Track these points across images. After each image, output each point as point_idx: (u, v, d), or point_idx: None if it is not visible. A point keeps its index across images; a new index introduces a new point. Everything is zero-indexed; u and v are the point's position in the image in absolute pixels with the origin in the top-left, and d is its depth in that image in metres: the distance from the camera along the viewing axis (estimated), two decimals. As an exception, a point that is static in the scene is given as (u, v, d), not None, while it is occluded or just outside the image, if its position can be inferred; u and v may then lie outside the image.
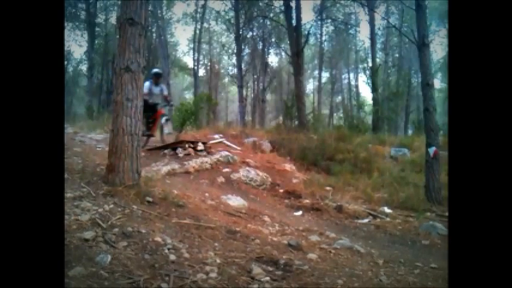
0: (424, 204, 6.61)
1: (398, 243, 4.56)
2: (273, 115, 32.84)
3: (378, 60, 23.31)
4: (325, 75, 31.85)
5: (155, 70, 8.82)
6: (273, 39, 25.13)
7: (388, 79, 24.88)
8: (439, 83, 28.92)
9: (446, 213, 6.05)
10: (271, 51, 27.61)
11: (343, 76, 32.40)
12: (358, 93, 30.40)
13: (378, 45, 24.24)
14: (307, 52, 26.73)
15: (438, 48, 37.97)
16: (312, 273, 2.85)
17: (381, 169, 9.26)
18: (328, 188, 7.49)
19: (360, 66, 29.01)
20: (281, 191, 6.89)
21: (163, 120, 8.28)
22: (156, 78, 8.46)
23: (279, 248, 3.44)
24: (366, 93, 29.80)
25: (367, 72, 24.28)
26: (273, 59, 30.67)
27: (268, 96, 30.97)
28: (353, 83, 31.34)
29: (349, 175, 8.57)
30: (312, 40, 25.35)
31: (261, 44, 25.44)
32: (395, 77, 25.60)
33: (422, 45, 7.72)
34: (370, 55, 22.46)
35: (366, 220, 5.60)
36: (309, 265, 3.03)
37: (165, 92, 8.75)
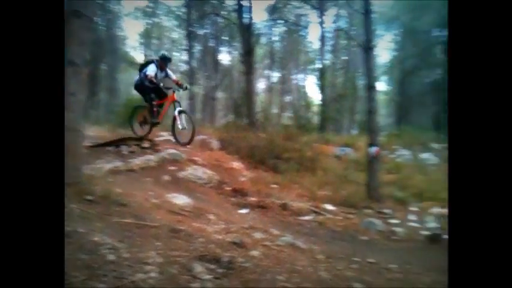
0: (364, 202, 6.90)
1: (339, 239, 4.74)
2: (224, 113, 32.78)
3: (326, 62, 24.01)
4: (276, 75, 32.31)
5: (163, 53, 7.99)
6: (225, 37, 25.07)
7: (335, 81, 25.68)
8: (384, 85, 30.23)
9: (384, 210, 6.39)
10: (223, 49, 27.57)
11: (292, 76, 33.01)
12: (306, 94, 31.12)
13: (327, 48, 24.95)
14: (259, 51, 26.92)
15: (384, 53, 39.79)
16: (254, 270, 2.89)
17: (326, 168, 9.54)
18: (274, 186, 7.60)
19: (309, 67, 29.73)
20: (228, 189, 6.90)
21: (176, 111, 7.46)
22: (163, 63, 7.69)
23: (222, 246, 3.45)
24: (314, 94, 30.81)
25: (316, 73, 24.92)
26: (224, 57, 30.58)
27: (219, 94, 30.86)
28: (302, 83, 32.06)
29: (295, 173, 8.75)
30: (263, 40, 25.58)
31: (212, 41, 25.28)
32: (342, 79, 26.50)
33: (368, 49, 8.05)
34: (319, 57, 23.08)
35: (309, 217, 5.76)
36: (251, 262, 3.06)
37: (173, 77, 7.99)
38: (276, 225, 5.12)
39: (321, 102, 21.16)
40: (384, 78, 30.93)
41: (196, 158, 7.73)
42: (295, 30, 25.36)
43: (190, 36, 21.36)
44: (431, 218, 6.03)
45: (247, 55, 15.13)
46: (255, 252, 3.40)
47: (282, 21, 23.54)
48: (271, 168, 9.21)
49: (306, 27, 26.04)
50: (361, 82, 26.47)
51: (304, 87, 31.62)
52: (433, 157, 11.32)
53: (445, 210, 6.63)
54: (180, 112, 7.49)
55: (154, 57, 8.38)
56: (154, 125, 7.69)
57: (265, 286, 2.60)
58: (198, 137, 10.40)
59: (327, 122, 20.31)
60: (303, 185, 7.94)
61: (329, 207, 6.45)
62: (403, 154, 11.66)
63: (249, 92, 15.37)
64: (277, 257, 3.44)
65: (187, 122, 7.51)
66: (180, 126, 7.43)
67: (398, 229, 5.23)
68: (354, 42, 17.35)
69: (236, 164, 8.49)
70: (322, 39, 21.71)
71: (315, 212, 6.00)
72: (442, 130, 15.01)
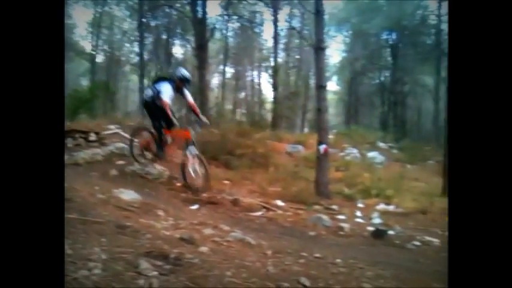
0: (313, 198, 7.07)
1: (288, 234, 4.81)
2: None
3: (279, 60, 24.28)
4: (230, 71, 32.22)
5: (183, 73, 6.22)
6: (178, 30, 24.61)
7: (288, 79, 26.06)
8: (334, 85, 31.08)
9: (332, 206, 6.58)
10: (176, 42, 27.06)
11: (247, 73, 33.07)
12: (260, 91, 31.30)
13: (281, 46, 25.23)
14: (213, 46, 26.72)
15: (335, 53, 40.93)
16: (201, 266, 2.86)
17: (277, 164, 9.68)
18: (226, 182, 7.59)
19: (263, 64, 29.92)
20: (178, 184, 6.80)
21: (189, 152, 5.92)
22: (181, 84, 6.13)
23: (170, 242, 3.38)
24: (268, 91, 31.18)
25: (269, 71, 25.15)
26: (177, 50, 30.01)
27: (172, 88, 30.19)
28: (256, 80, 32.20)
29: (247, 169, 8.79)
30: (217, 35, 25.39)
31: (165, 33, 24.73)
32: (295, 78, 26.93)
33: (318, 49, 8.22)
34: (272, 54, 23.28)
35: (259, 213, 5.81)
36: (199, 258, 3.03)
37: (190, 99, 6.29)
38: (227, 221, 5.11)
39: (274, 100, 21.37)
40: (334, 78, 31.88)
41: (146, 153, 7.55)
42: (249, 27, 25.38)
43: (142, 27, 20.78)
44: (377, 214, 6.29)
45: (201, 49, 14.97)
46: (203, 248, 3.37)
47: (237, 17, 23.47)
48: (223, 164, 9.20)
49: (261, 25, 26.15)
50: (313, 81, 27.10)
51: (258, 84, 31.76)
52: (379, 156, 11.82)
53: (390, 207, 6.96)
54: (193, 156, 5.94)
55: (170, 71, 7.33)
56: (157, 158, 6.37)
57: (212, 282, 2.58)
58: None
59: (279, 120, 20.57)
60: (255, 181, 8.00)
61: (279, 203, 6.54)
62: (352, 152, 12.08)
63: (202, 87, 15.21)
64: (225, 253, 3.43)
65: (199, 166, 6.11)
66: (192, 173, 5.94)
67: (345, 225, 5.40)
68: (306, 42, 17.69)
69: (187, 160, 8.38)
70: (276, 37, 21.90)
71: (265, 208, 6.06)
72: (388, 130, 15.70)
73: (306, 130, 22.87)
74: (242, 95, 33.45)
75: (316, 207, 6.49)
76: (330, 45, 25.58)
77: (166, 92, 5.86)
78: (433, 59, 19.56)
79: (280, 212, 5.97)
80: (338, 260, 3.65)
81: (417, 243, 4.68)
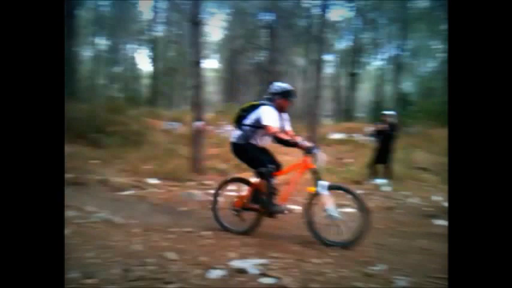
0: (188, 175, 7.11)
1: (160, 211, 4.78)
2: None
3: (159, 34, 23.38)
4: (104, 43, 29.82)
5: (286, 86, 4.14)
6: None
7: (167, 54, 25.28)
8: (215, 63, 31.12)
9: (206, 182, 6.71)
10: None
11: (123, 46, 31.06)
12: (137, 66, 29.78)
13: (160, 19, 24.27)
14: (84, 15, 24.37)
15: (216, 31, 40.81)
16: (59, 250, 2.69)
17: (152, 142, 9.45)
18: (94, 161, 7.15)
19: (141, 38, 28.42)
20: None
21: (321, 187, 3.65)
22: (286, 101, 4.07)
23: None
24: (145, 66, 29.71)
25: (148, 45, 24.09)
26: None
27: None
28: (132, 54, 30.47)
29: (119, 148, 8.40)
30: (90, 3, 23.19)
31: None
32: (174, 53, 26.24)
33: (194, 23, 8.13)
34: (151, 28, 22.32)
35: (129, 192, 5.64)
36: (58, 242, 2.85)
37: (288, 123, 4.26)
38: (93, 202, 4.85)
39: (152, 75, 20.63)
40: (215, 56, 31.96)
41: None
42: (126, -3, 23.78)
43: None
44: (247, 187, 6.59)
45: (69, 17, 13.55)
46: (65, 231, 3.17)
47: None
48: (92, 143, 8.61)
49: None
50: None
51: (134, 58, 30.09)
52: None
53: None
54: (330, 188, 3.68)
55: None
56: (271, 214, 3.95)
57: (71, 264, 2.45)
58: None
59: (157, 96, 19.98)
60: (128, 160, 7.69)
61: (153, 181, 6.45)
62: (228, 130, 12.37)
63: (69, 59, 13.86)
64: (88, 234, 3.30)
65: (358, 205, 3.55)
66: (331, 214, 3.57)
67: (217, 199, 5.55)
68: (183, 16, 17.32)
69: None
70: (155, 9, 21.01)
71: (138, 187, 5.91)
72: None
73: (184, 107, 22.66)
74: (117, 69, 31.40)
75: (190, 183, 6.55)
76: (212, 22, 25.47)
77: (270, 117, 3.89)
78: (304, 42, 20.94)
79: (153, 190, 5.89)
80: (206, 232, 3.77)
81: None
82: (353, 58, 21.04)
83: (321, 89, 12.83)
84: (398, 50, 19.64)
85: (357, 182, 7.31)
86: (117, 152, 8.08)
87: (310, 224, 3.68)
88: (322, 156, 3.79)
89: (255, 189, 4.04)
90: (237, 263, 2.71)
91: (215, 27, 33.49)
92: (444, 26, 19.79)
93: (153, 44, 20.59)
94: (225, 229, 4.05)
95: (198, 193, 5.43)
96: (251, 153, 3.97)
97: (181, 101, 25.35)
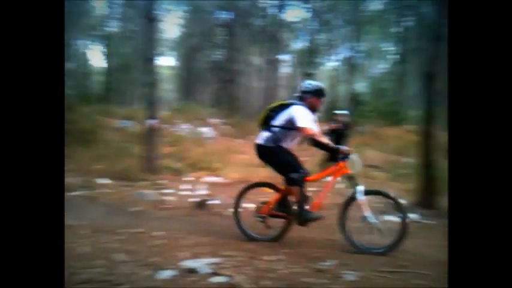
0: (141, 174, 6.96)
1: (110, 212, 4.67)
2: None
3: (113, 30, 22.67)
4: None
5: (318, 84, 3.89)
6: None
7: (121, 50, 24.56)
8: (172, 61, 30.55)
9: (159, 181, 6.61)
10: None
11: (75, 42, 29.77)
12: (89, 62, 28.69)
13: (114, 15, 23.52)
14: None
15: (173, 28, 40.06)
16: None
17: (105, 140, 9.16)
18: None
19: (95, 33, 27.40)
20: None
21: (358, 192, 3.49)
22: (317, 100, 3.78)
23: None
24: (99, 63, 28.54)
25: (102, 40, 23.29)
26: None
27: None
28: (86, 50, 29.30)
29: (69, 147, 8.05)
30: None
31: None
32: (130, 50, 25.51)
33: (149, 20, 7.98)
34: (105, 23, 21.58)
35: (79, 192, 5.45)
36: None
37: (317, 125, 3.86)
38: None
39: (105, 72, 19.96)
40: (172, 53, 31.42)
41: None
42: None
43: None
44: (202, 186, 6.57)
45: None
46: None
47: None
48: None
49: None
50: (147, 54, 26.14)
51: (87, 54, 28.95)
52: (210, 131, 12.28)
53: (216, 179, 7.34)
54: (367, 193, 3.55)
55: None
56: (304, 221, 3.64)
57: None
58: None
59: (110, 93, 19.37)
60: (78, 159, 7.40)
61: (103, 181, 6.25)
62: (184, 128, 12.23)
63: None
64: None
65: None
66: (369, 220, 3.42)
67: (170, 198, 5.50)
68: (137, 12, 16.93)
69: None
70: (109, 5, 20.33)
71: (87, 187, 5.71)
72: (220, 106, 16.39)
73: (138, 105, 22.11)
74: (69, 65, 30.07)
75: (143, 183, 6.42)
76: (168, 19, 24.97)
77: (303, 115, 3.60)
78: (261, 41, 21.07)
79: (104, 190, 5.72)
80: (159, 233, 3.71)
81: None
82: (309, 58, 21.38)
83: (277, 88, 12.98)
84: (352, 52, 20.18)
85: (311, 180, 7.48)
86: (66, 151, 7.74)
87: (344, 228, 3.53)
88: (358, 162, 3.63)
89: (284, 195, 3.76)
90: (189, 263, 2.68)
91: (172, 25, 32.91)
92: (395, 29, 20.74)
93: (107, 40, 19.89)
94: (250, 238, 3.76)
95: (150, 193, 5.33)
96: (282, 157, 3.65)
97: (135, 98, 24.71)
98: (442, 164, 5.49)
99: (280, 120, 3.67)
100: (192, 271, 2.55)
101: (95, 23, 26.76)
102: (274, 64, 12.22)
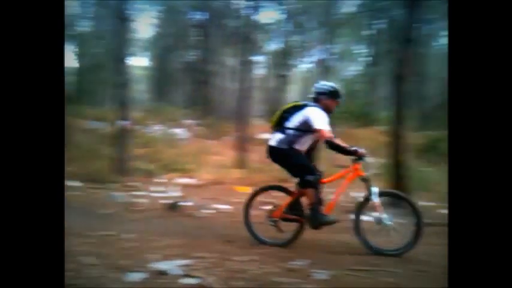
0: (111, 176, 6.85)
1: (80, 215, 4.56)
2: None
3: (84, 29, 22.15)
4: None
5: (333, 85, 3.79)
6: None
7: (93, 50, 24.05)
8: (146, 61, 30.12)
9: (131, 183, 6.52)
10: None
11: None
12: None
13: (86, 14, 23.00)
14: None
15: (146, 28, 39.52)
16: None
17: (74, 142, 8.93)
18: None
19: (66, 33, 26.77)
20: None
21: (374, 193, 3.46)
22: (333, 101, 3.71)
23: None
24: (69, 62, 27.83)
25: (72, 40, 22.73)
26: None
27: None
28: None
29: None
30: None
31: None
32: (100, 49, 25.01)
33: (122, 19, 7.90)
34: (77, 22, 21.05)
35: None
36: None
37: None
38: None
39: (75, 72, 19.48)
40: (145, 53, 30.97)
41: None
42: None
43: None
44: (174, 187, 6.52)
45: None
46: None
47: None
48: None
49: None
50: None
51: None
52: (183, 132, 12.18)
53: (189, 180, 7.30)
54: (382, 195, 3.54)
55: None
56: (319, 225, 3.55)
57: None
58: None
59: (80, 93, 18.91)
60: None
61: (73, 183, 6.10)
62: (157, 129, 12.09)
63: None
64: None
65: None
66: (384, 222, 3.39)
67: (141, 200, 5.43)
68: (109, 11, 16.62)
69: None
70: (80, 4, 19.84)
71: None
72: (194, 107, 16.29)
73: (110, 106, 21.68)
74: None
75: (114, 185, 6.32)
76: (142, 19, 24.63)
77: (319, 117, 3.51)
78: (235, 42, 21.05)
79: (74, 192, 5.59)
80: (129, 235, 3.67)
81: (207, 211, 5.07)
82: (283, 60, 21.52)
83: (251, 89, 13.01)
84: (325, 54, 20.45)
85: (283, 180, 7.50)
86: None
87: (359, 230, 3.46)
88: (373, 164, 3.64)
89: (296, 198, 3.68)
90: (159, 265, 2.67)
91: (145, 25, 32.45)
92: (367, 32, 21.17)
93: (78, 40, 19.41)
94: (261, 242, 3.64)
95: (121, 195, 5.25)
96: (296, 159, 3.57)
97: (106, 99, 24.23)
98: (411, 163, 5.65)
99: (294, 121, 3.59)
100: (162, 273, 2.54)
101: (66, 23, 26.14)
102: (248, 65, 12.17)
